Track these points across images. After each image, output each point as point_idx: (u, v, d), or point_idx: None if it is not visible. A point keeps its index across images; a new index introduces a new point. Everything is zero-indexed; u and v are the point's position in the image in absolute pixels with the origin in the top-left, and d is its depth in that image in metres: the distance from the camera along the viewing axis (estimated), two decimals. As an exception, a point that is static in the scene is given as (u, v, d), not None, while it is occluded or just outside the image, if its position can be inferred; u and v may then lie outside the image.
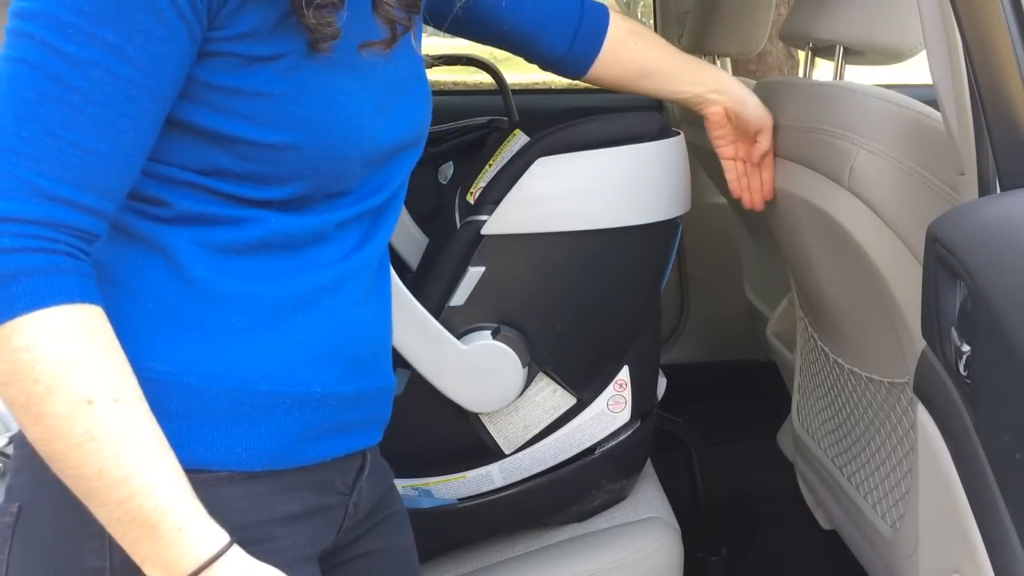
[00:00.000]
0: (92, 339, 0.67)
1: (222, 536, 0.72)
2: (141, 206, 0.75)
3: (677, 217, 1.30)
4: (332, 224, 0.81)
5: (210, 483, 0.75)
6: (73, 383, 0.66)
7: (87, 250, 0.69)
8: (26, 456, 0.71)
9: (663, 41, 1.26)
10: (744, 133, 1.28)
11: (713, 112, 1.26)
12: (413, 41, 0.85)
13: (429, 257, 1.38)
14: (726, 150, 1.29)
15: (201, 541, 0.70)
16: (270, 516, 0.80)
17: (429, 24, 1.15)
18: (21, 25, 0.66)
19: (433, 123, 0.93)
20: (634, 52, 1.21)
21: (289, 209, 0.78)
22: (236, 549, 0.72)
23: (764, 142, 1.27)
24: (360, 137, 0.79)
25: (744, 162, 1.30)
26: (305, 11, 0.72)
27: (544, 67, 1.23)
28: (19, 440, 0.78)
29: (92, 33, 0.66)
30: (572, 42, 1.18)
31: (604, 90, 1.34)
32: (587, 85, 1.29)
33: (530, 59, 1.22)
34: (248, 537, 0.75)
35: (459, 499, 1.35)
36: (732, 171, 1.30)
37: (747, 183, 1.31)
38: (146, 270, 0.76)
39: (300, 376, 0.80)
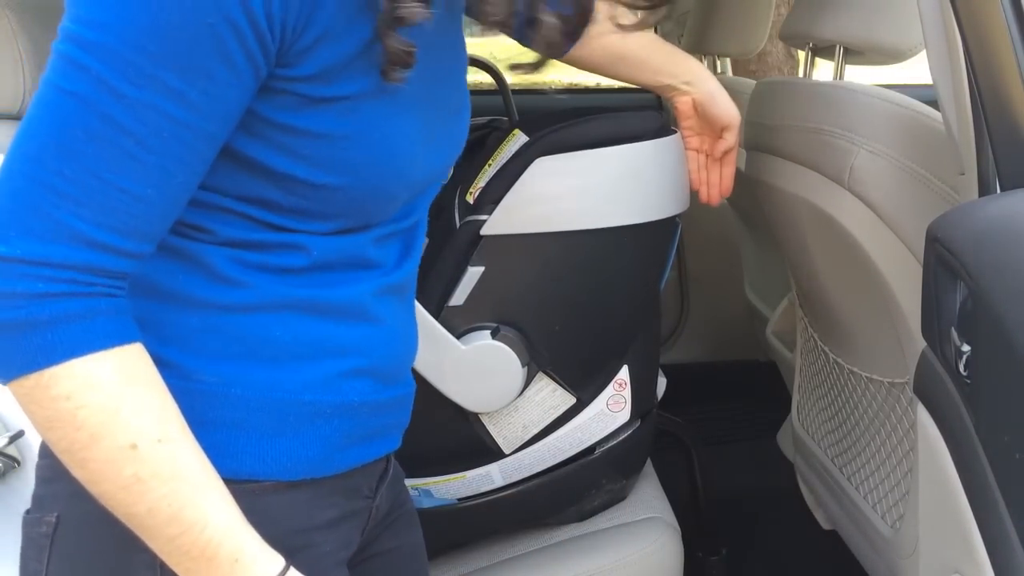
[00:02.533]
0: (133, 382, 0.66)
1: (278, 560, 0.71)
2: (181, 230, 0.73)
3: (676, 216, 1.30)
4: (370, 246, 0.80)
5: (256, 493, 0.75)
6: (116, 429, 0.64)
7: (123, 285, 0.67)
8: (58, 466, 0.69)
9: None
10: (710, 127, 1.28)
11: (681, 102, 1.27)
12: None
13: (428, 257, 1.37)
14: (691, 141, 1.30)
15: (258, 569, 0.70)
16: (311, 523, 0.80)
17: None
18: (75, 53, 0.62)
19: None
20: (613, 38, 1.21)
21: (330, 234, 0.77)
22: (293, 572, 0.72)
23: (729, 139, 1.27)
24: (409, 174, 0.77)
25: (707, 155, 1.31)
26: (388, 32, 0.68)
27: (523, 43, 1.23)
28: (48, 450, 0.75)
29: (154, 75, 0.61)
30: None
31: (604, 90, 1.35)
32: (587, 85, 1.29)
33: (514, 36, 1.22)
34: (292, 544, 0.75)
35: (459, 499, 1.35)
36: (693, 162, 1.31)
37: (706, 176, 1.32)
38: (188, 284, 0.74)
39: (340, 386, 0.79)
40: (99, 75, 0.61)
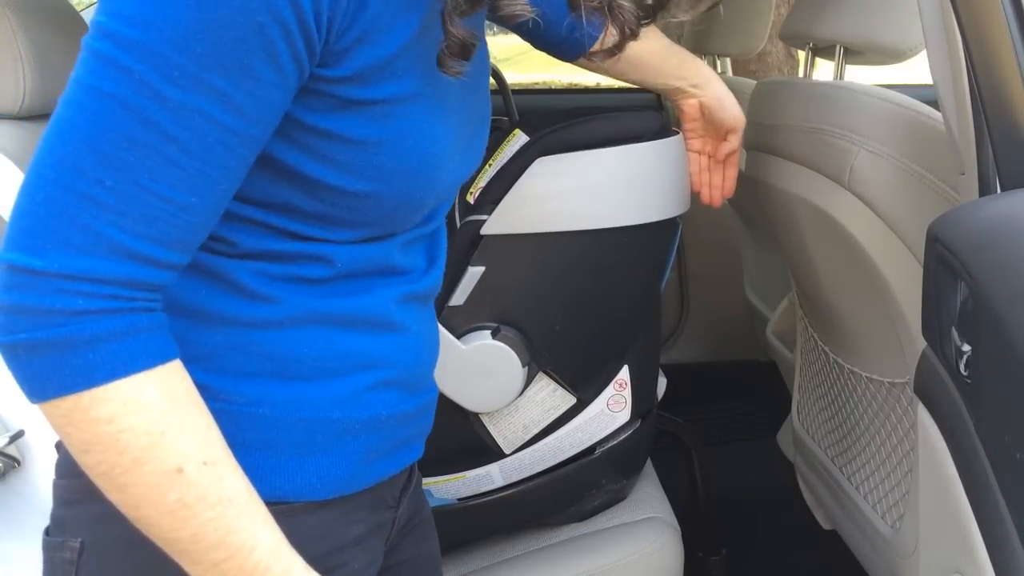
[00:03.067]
0: (176, 402, 0.62)
1: None
2: (204, 242, 0.69)
3: (676, 216, 1.30)
4: (396, 252, 0.78)
5: (287, 514, 0.72)
6: (162, 453, 0.61)
7: (159, 298, 0.64)
8: (82, 488, 0.66)
9: (657, 32, 1.27)
10: (715, 130, 1.29)
11: (688, 105, 1.28)
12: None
13: (429, 257, 1.38)
14: (694, 143, 1.31)
15: None
16: (342, 542, 0.79)
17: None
18: (114, 52, 0.58)
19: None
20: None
21: (355, 243, 0.75)
22: None
23: (733, 142, 1.29)
24: (438, 182, 0.75)
25: (709, 157, 1.32)
26: (454, 20, 0.66)
27: (541, 47, 1.23)
28: (69, 469, 0.72)
29: (200, 77, 0.58)
30: (574, 27, 1.18)
31: (604, 90, 1.35)
32: (587, 85, 1.29)
33: (529, 38, 1.22)
34: (326, 565, 0.73)
35: (459, 499, 1.35)
36: (696, 164, 1.32)
37: (708, 178, 1.33)
38: (211, 300, 0.71)
39: (368, 400, 0.77)
40: (141, 77, 0.58)
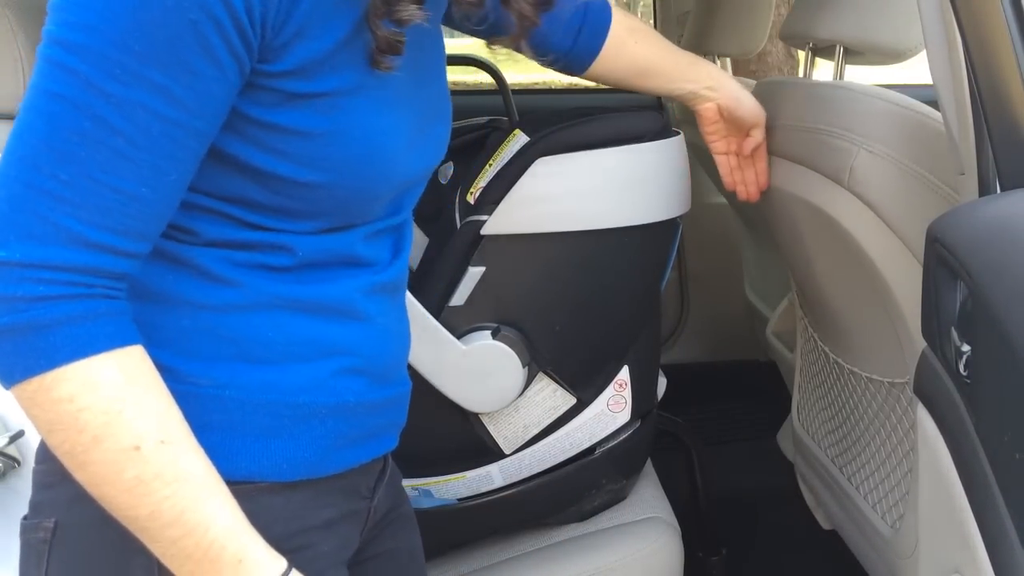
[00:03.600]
0: (134, 383, 0.66)
1: (280, 562, 0.71)
2: (166, 231, 0.72)
3: (677, 217, 1.30)
4: (359, 244, 0.80)
5: (252, 494, 0.75)
6: (119, 431, 0.64)
7: (122, 287, 0.67)
8: (57, 471, 0.70)
9: (661, 38, 1.26)
10: (737, 128, 1.28)
11: (706, 108, 1.26)
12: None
13: (429, 257, 1.38)
14: (718, 145, 1.30)
15: (261, 571, 0.70)
16: (309, 523, 0.80)
17: (455, 28, 1.15)
18: (62, 56, 0.62)
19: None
20: (634, 50, 1.21)
21: (314, 233, 0.77)
22: (295, 574, 0.72)
23: (757, 136, 1.28)
24: (391, 174, 0.77)
25: (737, 155, 1.31)
26: (377, 21, 0.69)
27: (545, 64, 1.23)
28: (47, 455, 0.76)
29: (140, 74, 0.62)
30: (575, 40, 1.17)
31: (604, 90, 1.35)
32: (587, 85, 1.29)
33: (532, 55, 1.22)
34: (291, 545, 0.75)
35: (459, 499, 1.35)
36: (725, 165, 1.32)
37: (741, 176, 1.32)
38: (177, 285, 0.74)
39: (333, 386, 0.80)
40: (87, 77, 0.62)
